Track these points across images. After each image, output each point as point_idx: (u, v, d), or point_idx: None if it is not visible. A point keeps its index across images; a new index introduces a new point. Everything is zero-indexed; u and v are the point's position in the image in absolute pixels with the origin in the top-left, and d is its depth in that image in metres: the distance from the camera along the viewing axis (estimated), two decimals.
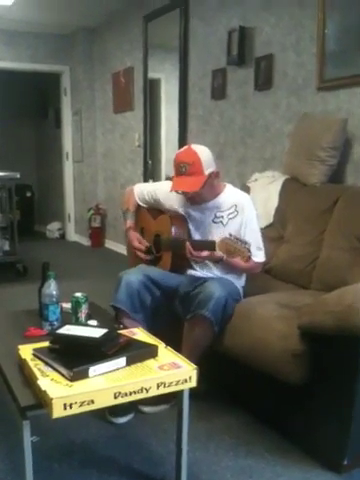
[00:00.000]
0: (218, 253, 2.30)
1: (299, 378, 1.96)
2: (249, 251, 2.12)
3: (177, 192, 2.49)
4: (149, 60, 5.21)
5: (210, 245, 2.26)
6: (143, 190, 2.81)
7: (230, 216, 2.45)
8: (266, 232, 2.87)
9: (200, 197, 2.47)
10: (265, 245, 2.51)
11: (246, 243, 2.14)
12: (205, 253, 2.33)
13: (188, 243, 2.35)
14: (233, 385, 2.45)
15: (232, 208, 2.46)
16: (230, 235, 2.20)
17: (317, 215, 2.73)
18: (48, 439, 2.10)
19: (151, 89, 5.30)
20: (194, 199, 2.50)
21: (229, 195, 2.52)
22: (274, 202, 3.04)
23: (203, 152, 2.40)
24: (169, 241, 2.54)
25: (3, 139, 6.67)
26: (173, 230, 2.52)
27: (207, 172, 2.38)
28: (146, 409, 2.31)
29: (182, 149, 2.49)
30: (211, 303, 2.19)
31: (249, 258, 2.14)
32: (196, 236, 2.54)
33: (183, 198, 2.57)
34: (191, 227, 2.55)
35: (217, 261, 2.40)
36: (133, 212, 2.82)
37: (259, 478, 1.93)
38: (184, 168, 2.36)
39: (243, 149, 3.95)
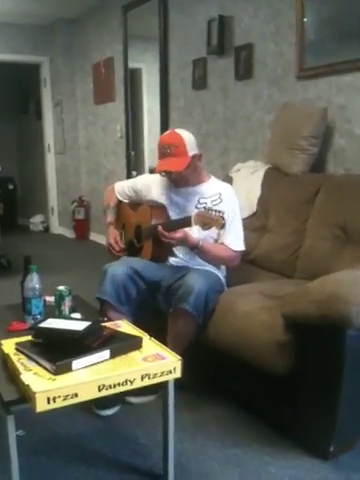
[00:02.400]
0: (192, 237, 2.32)
1: (285, 368, 1.96)
2: (223, 219, 2.15)
3: (161, 174, 2.51)
4: (129, 50, 5.17)
5: (186, 221, 2.27)
6: (123, 185, 2.84)
7: (214, 203, 2.46)
8: (249, 222, 2.88)
9: (184, 179, 2.49)
10: (246, 233, 2.52)
11: (220, 212, 2.18)
12: (179, 234, 2.31)
13: (160, 226, 2.35)
14: (220, 376, 2.46)
15: (216, 196, 2.49)
16: (204, 208, 2.25)
17: (299, 204, 2.74)
18: (34, 433, 2.10)
19: (132, 79, 5.26)
20: (178, 182, 2.51)
21: (213, 184, 2.56)
22: (257, 192, 3.05)
23: (186, 134, 2.46)
24: (147, 229, 2.54)
25: None
26: (153, 218, 2.52)
27: (191, 154, 2.42)
28: (133, 400, 2.32)
29: (166, 132, 2.58)
30: (192, 297, 2.18)
31: (223, 226, 2.17)
32: None
33: (165, 185, 2.58)
34: (173, 213, 2.54)
35: (192, 247, 2.39)
36: (114, 208, 2.84)
37: (247, 467, 1.94)
38: (169, 149, 2.40)
39: (225, 140, 3.95)
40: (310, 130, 2.85)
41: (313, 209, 2.65)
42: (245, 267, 2.77)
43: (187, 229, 2.33)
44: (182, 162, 2.40)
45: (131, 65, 5.22)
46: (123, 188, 2.82)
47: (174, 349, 1.83)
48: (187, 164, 2.40)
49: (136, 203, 2.74)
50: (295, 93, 3.24)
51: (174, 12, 4.39)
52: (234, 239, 2.45)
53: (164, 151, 2.43)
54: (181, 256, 2.54)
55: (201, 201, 2.49)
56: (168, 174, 2.49)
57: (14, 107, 7.88)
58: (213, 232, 2.38)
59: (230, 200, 2.49)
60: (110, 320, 2.10)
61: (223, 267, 2.56)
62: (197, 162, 2.48)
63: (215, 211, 2.18)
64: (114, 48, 5.45)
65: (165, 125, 4.62)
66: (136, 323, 2.01)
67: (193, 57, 4.17)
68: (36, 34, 6.49)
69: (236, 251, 2.47)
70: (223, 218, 2.16)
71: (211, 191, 2.51)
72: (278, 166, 3.03)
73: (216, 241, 2.45)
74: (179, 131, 2.48)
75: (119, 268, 2.39)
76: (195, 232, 2.35)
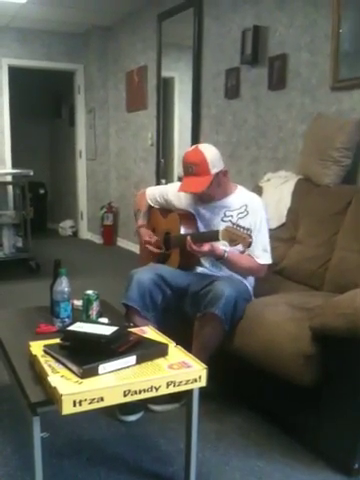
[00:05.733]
0: (218, 249, 2.31)
1: (310, 380, 1.94)
2: (250, 237, 2.13)
3: (185, 192, 2.52)
4: (163, 59, 5.21)
5: (214, 234, 2.27)
6: (154, 192, 2.85)
7: (240, 216, 2.46)
8: (278, 233, 2.87)
9: (208, 196, 2.49)
10: (275, 244, 2.50)
11: (248, 229, 2.16)
12: (206, 247, 2.31)
13: (188, 237, 2.35)
14: (243, 386, 2.44)
15: (242, 208, 2.47)
16: (232, 223, 2.23)
17: (330, 216, 2.71)
18: (58, 436, 2.11)
19: (164, 88, 5.30)
20: (203, 198, 2.52)
21: (240, 196, 2.53)
22: (287, 202, 3.03)
23: (209, 152, 2.43)
24: (175, 238, 2.55)
25: (17, 137, 6.71)
26: (181, 227, 2.53)
27: (213, 171, 2.40)
28: (156, 408, 2.32)
29: (189, 149, 2.53)
30: (221, 302, 2.19)
31: (250, 244, 2.15)
32: None
33: (193, 197, 2.59)
34: (200, 225, 2.55)
35: (219, 258, 2.38)
36: (145, 212, 2.85)
37: (268, 479, 1.92)
38: (191, 169, 2.40)
39: (256, 149, 3.94)
40: (343, 141, 2.82)
41: (344, 221, 2.62)
42: (273, 278, 2.76)
43: (214, 242, 2.33)
44: (203, 182, 2.38)
45: (164, 73, 5.26)
46: (154, 195, 2.83)
47: (199, 356, 1.83)
48: (209, 183, 2.39)
49: (166, 209, 2.76)
50: (329, 104, 3.22)
51: (208, 21, 4.41)
52: (261, 252, 2.43)
53: (186, 170, 2.43)
54: (208, 266, 2.54)
55: (227, 214, 2.48)
56: (192, 193, 2.50)
57: (48, 112, 8.01)
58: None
59: (256, 212, 2.47)
60: (136, 326, 2.11)
61: (251, 277, 2.55)
62: (221, 178, 2.46)
63: (243, 228, 2.17)
64: (148, 56, 5.50)
65: (196, 133, 4.64)
66: (161, 330, 2.02)
67: (226, 66, 4.18)
68: (71, 41, 6.60)
69: (261, 264, 2.45)
70: (250, 236, 2.14)
71: (237, 203, 2.49)
72: (309, 177, 3.01)
73: (242, 252, 2.44)
74: (202, 148, 2.44)
75: (145, 274, 2.40)
76: (221, 246, 2.35)
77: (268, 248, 2.47)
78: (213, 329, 2.24)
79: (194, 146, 2.52)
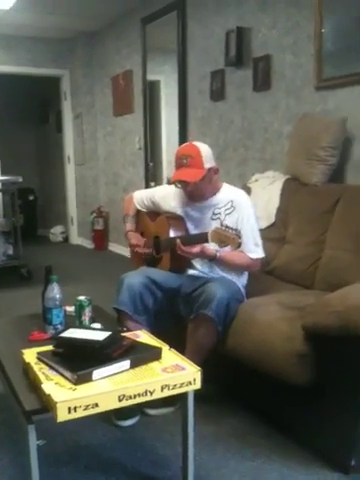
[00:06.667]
0: (210, 250, 2.33)
1: (304, 379, 1.95)
2: (239, 238, 2.15)
3: (176, 185, 2.52)
4: (148, 62, 5.22)
5: (203, 237, 2.29)
6: (142, 195, 2.86)
7: (227, 212, 2.47)
8: (268, 233, 2.88)
9: (199, 192, 2.49)
10: (265, 244, 2.51)
11: (236, 230, 2.19)
12: (196, 249, 2.32)
13: (178, 240, 2.36)
14: (238, 387, 2.45)
15: (229, 204, 2.48)
16: (221, 225, 2.25)
17: (318, 215, 2.73)
18: (55, 443, 2.11)
19: (151, 91, 5.31)
20: (193, 194, 2.52)
21: (226, 192, 2.55)
22: (275, 202, 3.05)
23: (203, 147, 2.47)
24: (165, 241, 2.56)
25: (5, 144, 6.69)
26: (171, 230, 2.54)
27: (207, 166, 2.43)
28: (151, 412, 2.32)
29: (184, 144, 2.60)
30: (214, 303, 2.19)
31: (239, 245, 2.17)
32: None
33: (181, 198, 2.59)
34: (190, 226, 2.56)
35: (210, 259, 2.40)
36: (133, 217, 2.86)
37: None
38: (185, 160, 2.41)
39: (243, 150, 3.96)
40: (329, 140, 2.85)
41: (332, 220, 2.64)
42: (264, 278, 2.77)
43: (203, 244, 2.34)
44: (197, 173, 2.40)
45: (150, 77, 5.27)
46: (141, 198, 2.84)
47: (193, 357, 1.84)
48: (202, 176, 2.40)
49: (154, 213, 2.77)
50: (314, 104, 3.24)
51: (192, 24, 4.43)
52: (253, 246, 2.44)
53: (180, 162, 2.44)
54: (199, 267, 2.54)
55: (216, 212, 2.50)
56: (183, 186, 2.49)
57: (35, 118, 7.99)
58: None
59: (242, 207, 2.47)
60: (128, 330, 2.12)
61: (243, 278, 2.56)
62: (213, 175, 2.48)
63: (231, 229, 2.19)
64: (133, 60, 5.51)
65: (183, 136, 4.65)
66: (154, 333, 2.02)
67: (211, 68, 4.20)
68: (56, 47, 6.59)
69: (254, 259, 2.46)
70: (239, 237, 2.16)
71: (224, 200, 2.50)
72: (297, 176, 3.03)
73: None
74: (197, 143, 2.49)
75: (135, 278, 2.41)
76: (212, 246, 2.36)
77: (259, 242, 2.48)
78: (206, 330, 2.24)
79: (188, 142, 2.56)
